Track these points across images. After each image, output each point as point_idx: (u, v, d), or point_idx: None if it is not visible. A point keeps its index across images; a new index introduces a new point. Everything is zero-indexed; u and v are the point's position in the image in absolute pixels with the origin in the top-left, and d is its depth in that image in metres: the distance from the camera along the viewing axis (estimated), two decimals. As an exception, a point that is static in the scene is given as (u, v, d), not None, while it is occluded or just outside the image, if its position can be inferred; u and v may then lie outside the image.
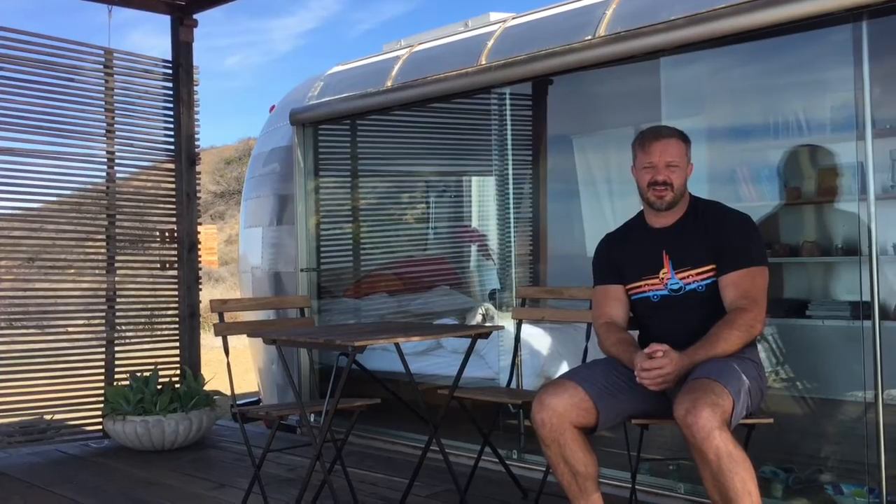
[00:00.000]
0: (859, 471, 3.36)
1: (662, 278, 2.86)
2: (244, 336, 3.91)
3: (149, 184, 5.36)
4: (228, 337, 3.64)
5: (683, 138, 2.91)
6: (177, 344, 5.32)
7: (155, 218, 5.33)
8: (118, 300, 5.17)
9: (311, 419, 3.86)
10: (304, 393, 5.19)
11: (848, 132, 3.88)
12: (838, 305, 4.15)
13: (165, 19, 5.37)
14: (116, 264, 5.16)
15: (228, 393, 5.23)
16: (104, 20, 5.09)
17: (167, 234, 5.28)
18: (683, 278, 2.83)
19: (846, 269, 4.35)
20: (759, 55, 3.95)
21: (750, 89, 4.44)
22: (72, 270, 5.15)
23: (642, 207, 3.00)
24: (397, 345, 3.47)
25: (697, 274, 2.82)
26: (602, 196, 6.30)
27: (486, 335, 3.46)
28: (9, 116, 4.77)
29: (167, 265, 5.30)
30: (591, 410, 2.67)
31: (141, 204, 5.32)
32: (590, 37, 3.95)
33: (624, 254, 2.97)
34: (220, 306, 3.66)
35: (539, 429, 2.66)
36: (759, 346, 2.96)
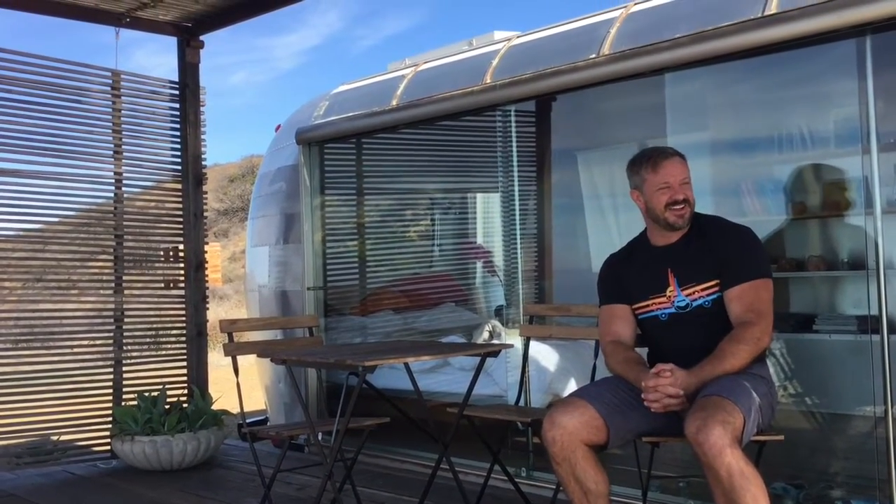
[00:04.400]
0: (870, 486, 3.35)
1: (669, 296, 2.87)
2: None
3: (154, 204, 5.38)
4: (235, 355, 3.64)
5: (683, 156, 2.94)
6: (184, 363, 5.33)
7: (162, 238, 5.36)
8: (125, 320, 5.18)
9: (320, 438, 3.85)
10: (312, 412, 5.19)
11: (853, 146, 3.90)
12: (845, 320, 4.16)
13: (169, 38, 5.41)
14: (124, 284, 5.18)
15: (236, 412, 5.24)
16: (109, 39, 5.14)
17: (171, 252, 5.30)
18: (689, 295, 2.84)
19: (852, 283, 4.36)
20: (765, 69, 3.97)
21: (755, 103, 4.46)
22: (75, 291, 5.16)
23: (645, 227, 3.02)
24: (406, 364, 3.47)
25: (703, 290, 2.83)
26: (607, 211, 6.32)
27: (495, 354, 3.47)
28: (17, 139, 4.80)
29: (172, 284, 5.32)
30: (601, 428, 2.68)
31: (148, 224, 5.35)
32: (594, 55, 3.98)
33: (629, 274, 2.98)
34: (229, 326, 3.67)
35: (550, 447, 2.67)
36: (767, 361, 2.96)
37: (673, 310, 2.86)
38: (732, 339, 2.70)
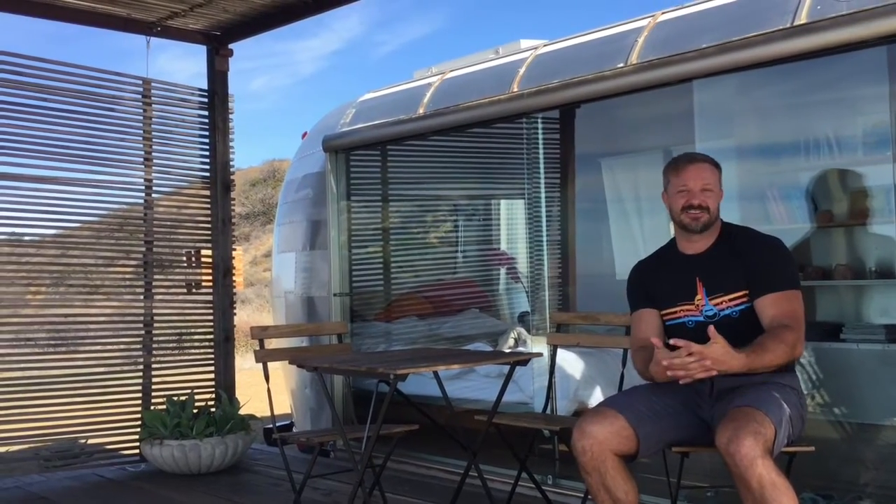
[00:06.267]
0: (900, 498, 3.34)
1: (698, 304, 2.87)
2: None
3: (176, 209, 5.45)
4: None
5: (716, 164, 2.94)
6: (212, 368, 5.38)
7: (191, 244, 5.42)
8: (155, 324, 5.25)
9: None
10: (339, 417, 5.22)
11: (882, 153, 3.89)
12: (873, 329, 4.14)
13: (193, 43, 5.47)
14: (153, 290, 5.25)
15: (261, 416, 5.28)
16: (131, 43, 5.20)
17: (194, 255, 5.36)
18: (717, 304, 2.84)
19: (880, 292, 4.34)
20: (795, 73, 3.94)
21: (785, 109, 4.44)
22: (104, 296, 5.23)
23: (674, 234, 3.03)
24: (436, 372, 3.49)
25: (731, 300, 2.83)
26: (631, 217, 6.32)
27: (524, 362, 3.49)
28: (51, 145, 4.88)
29: (195, 287, 5.38)
30: (631, 438, 2.68)
31: (177, 230, 5.42)
32: (622, 64, 3.99)
33: (657, 281, 2.99)
34: (260, 333, 3.71)
35: (580, 456, 2.68)
36: (796, 371, 2.96)
37: (701, 318, 2.86)
38: (773, 336, 2.66)
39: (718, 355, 2.55)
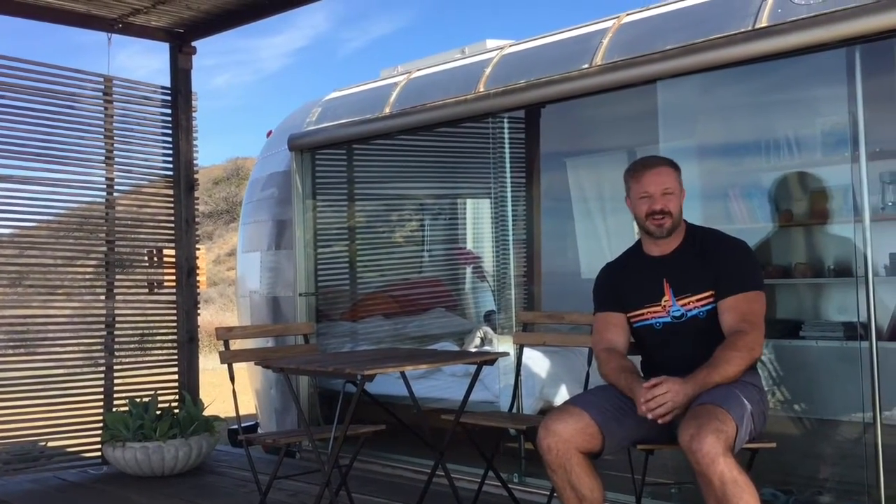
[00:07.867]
0: (858, 492, 3.41)
1: (664, 306, 2.91)
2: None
3: (146, 209, 5.37)
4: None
5: (674, 166, 2.97)
6: (175, 369, 5.32)
7: (153, 243, 5.35)
8: (117, 325, 5.17)
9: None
10: (305, 418, 5.19)
11: (841, 154, 3.95)
12: (832, 326, 4.21)
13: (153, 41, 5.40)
14: (115, 290, 5.17)
15: (225, 417, 5.24)
16: (94, 38, 5.12)
17: (155, 254, 5.29)
18: (685, 305, 2.89)
19: (838, 290, 4.41)
20: (757, 74, 4.00)
21: (747, 109, 4.49)
22: (60, 296, 5.14)
23: (639, 237, 3.06)
24: (403, 371, 3.49)
25: (698, 300, 2.87)
26: (596, 216, 6.37)
27: (491, 362, 3.50)
28: (9, 144, 4.78)
29: (156, 286, 5.31)
30: (596, 436, 2.71)
31: (140, 230, 5.34)
32: (587, 65, 4.02)
33: (624, 282, 3.02)
34: (225, 334, 3.68)
35: (545, 454, 2.70)
36: (758, 369, 3.01)
37: (668, 319, 2.90)
38: (727, 346, 2.75)
39: (672, 395, 2.62)
